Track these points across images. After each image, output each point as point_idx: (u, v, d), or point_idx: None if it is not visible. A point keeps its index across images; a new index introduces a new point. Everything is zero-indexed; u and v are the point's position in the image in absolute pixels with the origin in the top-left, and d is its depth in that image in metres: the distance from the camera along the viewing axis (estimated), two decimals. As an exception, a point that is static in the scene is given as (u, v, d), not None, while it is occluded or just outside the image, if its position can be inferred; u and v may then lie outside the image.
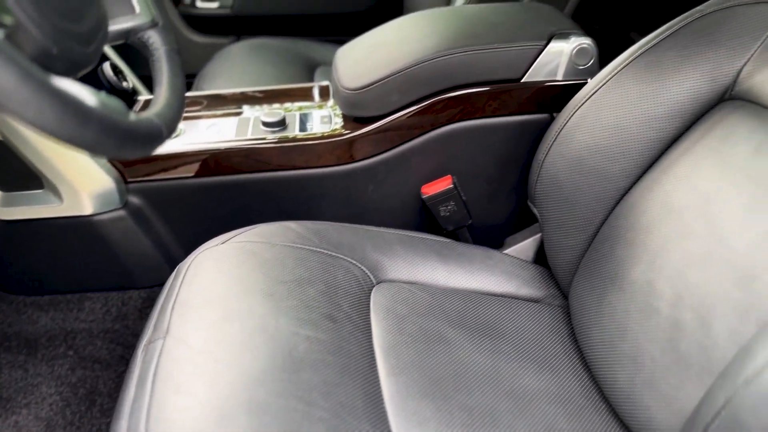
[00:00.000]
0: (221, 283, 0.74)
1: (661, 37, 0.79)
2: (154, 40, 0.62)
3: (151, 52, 0.62)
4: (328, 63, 1.53)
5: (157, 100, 0.57)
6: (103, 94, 0.44)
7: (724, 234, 0.64)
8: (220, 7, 1.70)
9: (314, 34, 1.72)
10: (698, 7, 0.79)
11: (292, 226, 0.85)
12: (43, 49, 0.45)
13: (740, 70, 0.73)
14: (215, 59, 1.49)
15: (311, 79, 1.44)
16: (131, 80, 1.06)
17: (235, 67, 1.42)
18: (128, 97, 1.03)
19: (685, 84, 0.76)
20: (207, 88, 1.34)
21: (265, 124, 0.94)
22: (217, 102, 1.05)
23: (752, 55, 0.73)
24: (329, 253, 0.82)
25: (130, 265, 0.98)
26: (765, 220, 0.61)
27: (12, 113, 0.39)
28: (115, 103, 0.45)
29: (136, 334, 1.07)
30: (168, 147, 0.91)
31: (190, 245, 0.85)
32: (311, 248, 0.82)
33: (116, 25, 0.60)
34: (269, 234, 0.82)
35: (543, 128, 0.90)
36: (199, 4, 1.69)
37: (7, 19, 0.42)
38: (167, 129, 0.52)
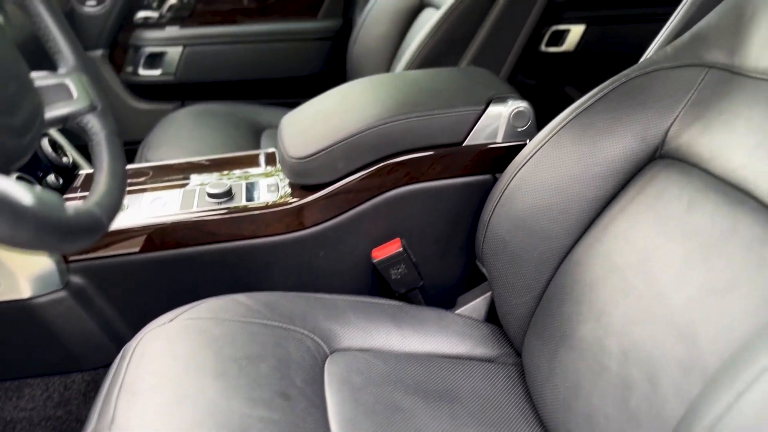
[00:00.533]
0: (169, 364, 0.72)
1: (592, 99, 0.83)
2: (93, 124, 0.61)
3: (90, 136, 0.61)
4: (274, 126, 1.54)
5: (97, 187, 0.56)
6: (38, 190, 0.43)
7: (664, 290, 0.66)
8: (162, 74, 1.70)
9: (259, 97, 1.73)
10: (624, 72, 0.83)
11: (242, 299, 0.84)
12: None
13: (668, 130, 0.77)
14: (159, 126, 1.48)
15: (258, 143, 1.45)
16: (71, 154, 1.04)
17: (179, 134, 1.41)
18: (68, 173, 1.02)
19: (619, 144, 0.79)
20: (151, 156, 1.33)
21: (211, 195, 0.94)
22: (162, 173, 1.04)
23: (677, 116, 0.77)
24: (281, 325, 0.81)
25: (73, 347, 0.94)
26: (700, 275, 0.64)
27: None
28: (51, 198, 0.44)
29: (80, 420, 1.02)
30: (111, 223, 0.89)
31: (136, 324, 0.82)
32: (262, 321, 0.80)
33: (53, 112, 0.59)
34: (218, 309, 0.81)
35: (487, 189, 0.92)
36: (141, 71, 1.69)
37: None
38: (108, 218, 0.51)
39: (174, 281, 0.94)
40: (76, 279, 0.90)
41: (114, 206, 0.54)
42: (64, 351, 0.94)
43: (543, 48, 1.77)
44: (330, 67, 1.77)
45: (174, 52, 1.67)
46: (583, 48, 1.75)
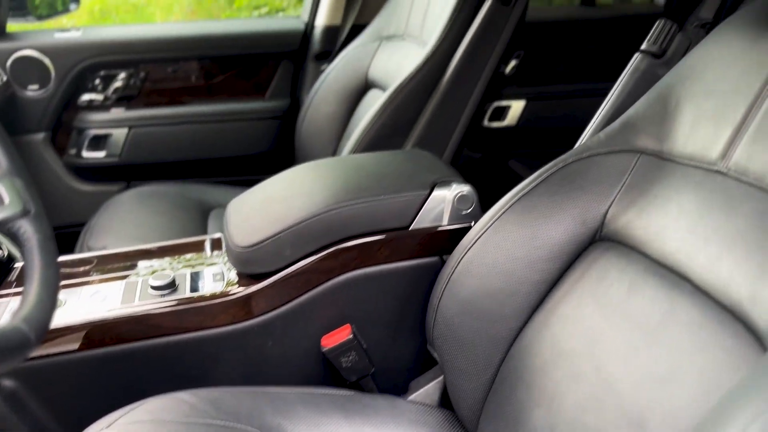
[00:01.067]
0: (106, 476, 0.68)
1: (533, 183, 0.85)
2: (26, 229, 0.59)
3: (22, 242, 0.59)
4: (222, 205, 1.52)
5: (26, 299, 0.53)
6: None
7: (611, 376, 0.66)
8: (107, 156, 1.68)
9: (207, 176, 1.72)
10: (561, 157, 0.86)
11: (185, 397, 0.80)
12: None
13: (606, 213, 0.80)
14: (103, 210, 1.45)
15: (205, 225, 1.42)
16: (6, 247, 1.00)
17: (123, 218, 1.38)
18: (3, 267, 0.97)
19: (560, 227, 0.81)
20: (93, 244, 1.29)
21: (154, 287, 0.91)
22: (103, 262, 1.01)
23: (614, 200, 0.79)
24: (226, 424, 0.78)
25: (2, 458, 0.88)
26: (644, 361, 0.64)
27: None
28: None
29: None
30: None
31: (74, 428, 0.78)
32: (206, 421, 0.77)
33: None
34: (159, 410, 0.77)
35: (435, 271, 0.92)
36: (85, 153, 1.66)
37: None
38: (37, 335, 0.49)
39: (115, 380, 0.89)
40: (7, 382, 0.85)
41: (44, 321, 0.51)
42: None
43: (486, 123, 1.83)
44: (279, 146, 1.79)
45: (119, 134, 1.66)
46: (524, 123, 1.82)
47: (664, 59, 0.88)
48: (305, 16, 1.83)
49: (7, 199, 0.59)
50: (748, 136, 0.68)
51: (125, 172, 1.72)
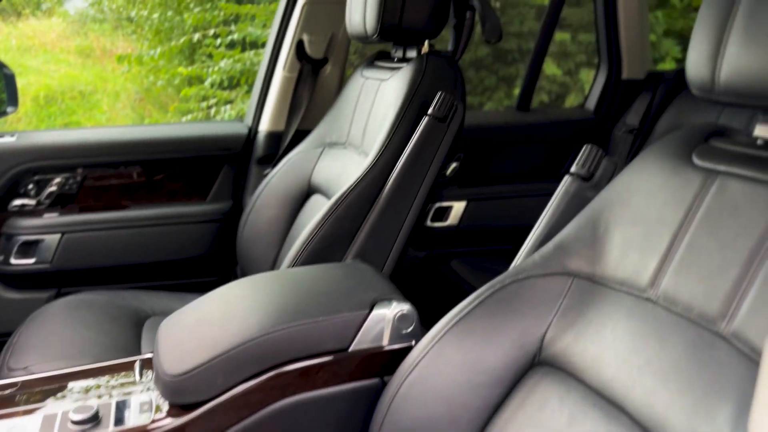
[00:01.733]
0: None
1: (471, 306, 0.85)
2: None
3: None
4: (157, 313, 1.46)
5: None
6: None
7: None
8: (37, 263, 1.60)
9: (143, 281, 1.67)
10: (498, 278, 0.86)
11: None
12: None
13: (543, 337, 0.79)
14: (29, 322, 1.37)
15: (139, 337, 1.36)
16: None
17: (50, 332, 1.31)
18: None
19: (498, 351, 0.80)
20: (14, 364, 1.21)
21: (74, 422, 0.85)
22: (22, 389, 0.94)
23: (550, 324, 0.80)
24: None
25: None
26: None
27: None
28: None
29: None
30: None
31: None
32: None
33: None
34: None
35: (376, 393, 0.89)
36: (13, 260, 1.59)
37: None
38: None
39: None
40: None
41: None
42: None
43: (429, 223, 1.85)
44: (218, 249, 1.75)
45: (51, 240, 1.60)
46: (465, 223, 1.85)
47: (592, 182, 0.91)
48: (248, 121, 1.84)
49: None
50: (674, 267, 0.70)
51: (56, 279, 1.64)
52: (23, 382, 0.97)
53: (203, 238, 1.74)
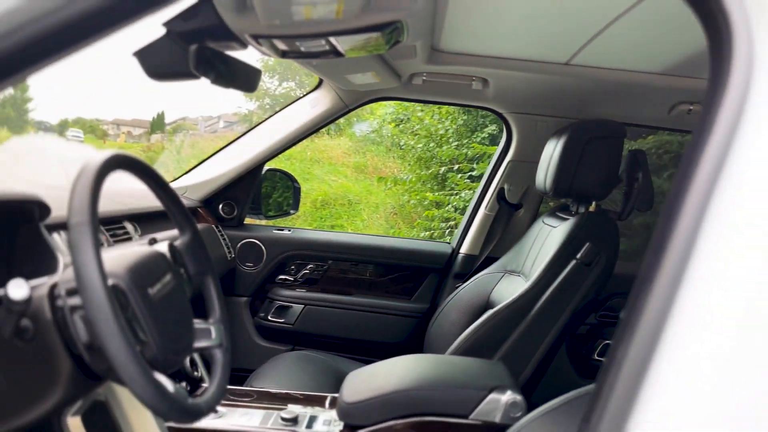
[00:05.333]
0: None
1: (559, 403, 1.13)
2: (218, 356, 1.04)
3: (213, 362, 1.04)
4: (356, 377, 1.91)
5: (209, 390, 0.96)
6: (178, 386, 0.84)
7: None
8: (284, 323, 2.19)
9: (350, 352, 2.15)
10: (587, 387, 1.14)
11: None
12: (154, 356, 0.87)
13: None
14: (270, 363, 1.92)
15: (338, 388, 1.82)
16: (201, 371, 1.48)
17: (282, 372, 1.83)
18: (197, 383, 1.44)
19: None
20: (256, 384, 1.74)
21: (283, 419, 1.30)
22: (258, 398, 1.43)
23: None
24: None
25: None
26: None
27: (128, 388, 0.79)
28: (183, 392, 0.85)
29: None
30: (208, 423, 1.28)
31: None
32: None
33: (198, 344, 1.03)
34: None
35: (483, 457, 1.20)
36: (270, 317, 2.20)
37: (142, 336, 0.86)
38: (208, 411, 0.90)
39: None
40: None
41: (213, 406, 0.93)
42: None
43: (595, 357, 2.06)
44: (409, 339, 2.18)
45: (297, 308, 2.18)
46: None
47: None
48: (454, 243, 2.30)
49: (213, 336, 1.05)
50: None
51: (293, 337, 2.21)
52: (260, 392, 1.47)
53: (402, 328, 2.19)
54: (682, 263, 0.57)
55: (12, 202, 1.05)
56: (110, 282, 0.86)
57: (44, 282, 0.92)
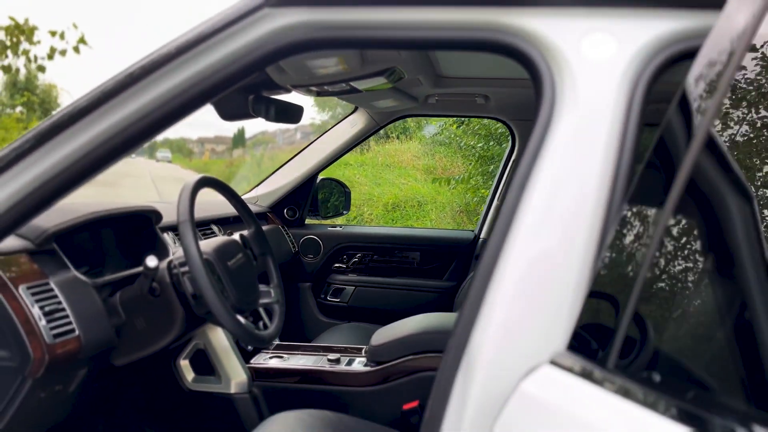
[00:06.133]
0: None
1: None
2: (275, 307, 1.55)
3: (272, 310, 1.55)
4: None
5: (270, 329, 1.47)
6: (249, 323, 1.36)
7: None
8: (339, 301, 2.71)
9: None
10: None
11: (306, 414, 1.65)
12: (233, 303, 1.39)
13: None
14: (328, 332, 2.43)
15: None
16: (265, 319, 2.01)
17: (335, 338, 2.33)
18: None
19: None
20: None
21: (329, 360, 1.80)
22: (314, 350, 1.94)
23: None
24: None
25: (247, 427, 1.80)
26: None
27: (217, 321, 1.31)
28: (252, 326, 1.37)
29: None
30: (275, 364, 1.80)
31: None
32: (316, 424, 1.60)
33: (262, 300, 1.55)
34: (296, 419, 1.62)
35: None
36: (328, 298, 2.72)
37: (225, 290, 1.38)
38: (270, 339, 1.42)
39: (295, 402, 1.77)
40: (255, 390, 1.80)
41: (273, 336, 1.44)
42: (238, 428, 1.81)
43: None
44: (439, 311, 2.64)
45: (349, 290, 2.69)
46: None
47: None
48: (476, 230, 2.74)
49: (273, 295, 1.57)
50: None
51: (347, 313, 2.72)
52: (315, 346, 1.98)
53: (434, 302, 2.65)
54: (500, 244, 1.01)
55: (137, 212, 1.61)
56: (204, 257, 1.39)
57: (163, 261, 1.46)
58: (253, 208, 2.53)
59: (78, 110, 1.03)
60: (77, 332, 1.25)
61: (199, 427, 1.84)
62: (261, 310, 1.78)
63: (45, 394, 1.27)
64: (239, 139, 44.35)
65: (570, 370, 0.76)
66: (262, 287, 1.58)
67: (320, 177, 2.75)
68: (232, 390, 1.79)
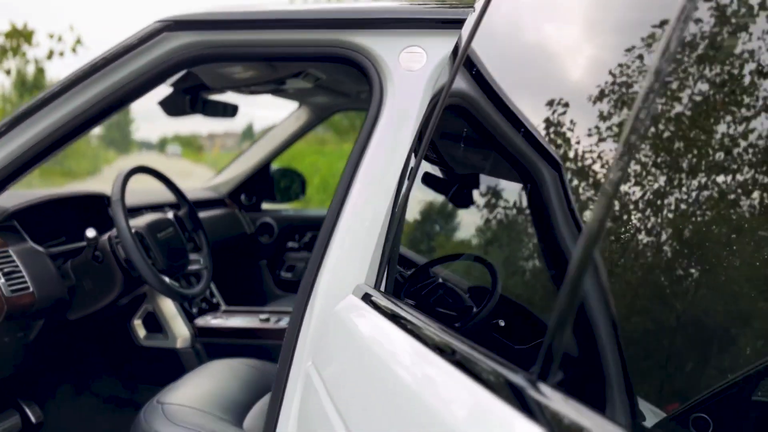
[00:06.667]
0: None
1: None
2: (204, 272, 1.89)
3: (201, 275, 1.88)
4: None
5: (197, 287, 1.81)
6: (173, 281, 1.69)
7: None
8: (293, 276, 3.04)
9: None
10: None
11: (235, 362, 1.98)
12: (161, 267, 1.73)
13: None
14: (275, 302, 2.75)
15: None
16: (217, 298, 2.35)
17: (287, 305, 2.66)
18: (215, 306, 2.31)
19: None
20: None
21: (260, 319, 2.13)
22: (252, 312, 2.26)
23: None
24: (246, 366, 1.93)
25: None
26: None
27: (147, 282, 1.65)
28: (177, 284, 1.70)
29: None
30: (215, 323, 2.13)
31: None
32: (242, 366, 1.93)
33: (192, 267, 1.88)
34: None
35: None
36: (282, 274, 3.05)
37: (154, 256, 1.72)
38: (193, 297, 1.76)
39: (220, 354, 2.11)
40: (198, 346, 2.13)
41: (198, 294, 1.78)
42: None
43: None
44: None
45: (301, 265, 3.03)
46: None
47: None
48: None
49: (201, 262, 1.90)
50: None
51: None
52: (252, 310, 2.31)
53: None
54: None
55: (89, 195, 1.95)
56: (136, 230, 1.72)
57: (106, 234, 1.80)
58: (213, 195, 2.87)
59: (21, 114, 1.39)
60: (31, 289, 1.58)
61: (150, 377, 2.18)
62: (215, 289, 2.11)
63: (8, 339, 1.61)
64: (248, 133, 44.86)
65: (366, 299, 1.07)
66: (193, 256, 1.91)
67: (277, 166, 3.07)
68: (178, 345, 2.12)
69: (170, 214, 1.93)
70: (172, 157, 41.93)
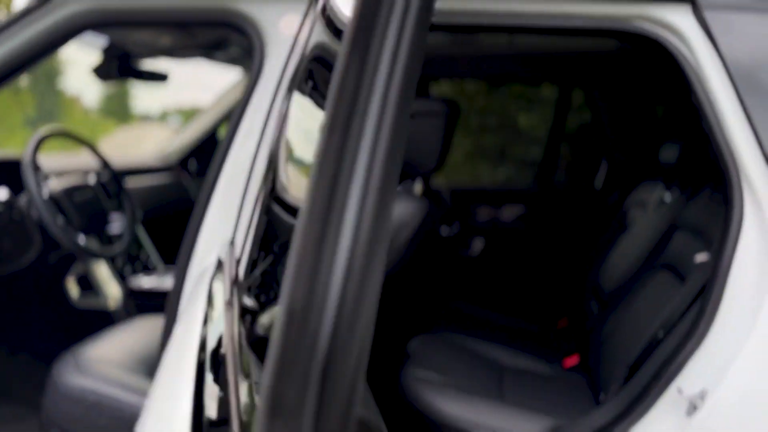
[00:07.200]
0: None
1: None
2: (126, 232, 1.96)
3: (122, 234, 1.96)
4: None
5: (117, 246, 1.88)
6: (89, 239, 1.77)
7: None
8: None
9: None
10: None
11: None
12: (79, 226, 1.80)
13: None
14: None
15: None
16: (150, 255, 2.43)
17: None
18: (145, 266, 2.39)
19: None
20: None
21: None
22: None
23: None
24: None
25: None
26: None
27: (58, 241, 1.72)
28: (92, 242, 1.78)
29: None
30: (146, 283, 2.21)
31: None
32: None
33: (112, 229, 1.96)
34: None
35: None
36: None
37: (71, 218, 1.79)
38: (108, 256, 1.83)
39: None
40: (129, 304, 2.21)
41: (113, 254, 1.85)
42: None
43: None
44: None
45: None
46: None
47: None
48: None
49: (123, 222, 1.98)
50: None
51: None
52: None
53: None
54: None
55: (12, 161, 2.01)
56: (53, 192, 1.79)
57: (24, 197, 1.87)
58: (160, 164, 2.93)
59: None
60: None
61: (84, 336, 2.26)
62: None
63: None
64: (249, 104, 44.64)
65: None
66: (115, 217, 1.99)
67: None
68: (110, 305, 2.20)
69: (92, 177, 1.99)
70: (172, 128, 41.93)
